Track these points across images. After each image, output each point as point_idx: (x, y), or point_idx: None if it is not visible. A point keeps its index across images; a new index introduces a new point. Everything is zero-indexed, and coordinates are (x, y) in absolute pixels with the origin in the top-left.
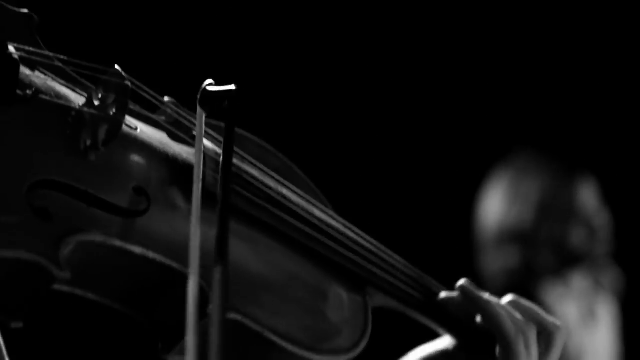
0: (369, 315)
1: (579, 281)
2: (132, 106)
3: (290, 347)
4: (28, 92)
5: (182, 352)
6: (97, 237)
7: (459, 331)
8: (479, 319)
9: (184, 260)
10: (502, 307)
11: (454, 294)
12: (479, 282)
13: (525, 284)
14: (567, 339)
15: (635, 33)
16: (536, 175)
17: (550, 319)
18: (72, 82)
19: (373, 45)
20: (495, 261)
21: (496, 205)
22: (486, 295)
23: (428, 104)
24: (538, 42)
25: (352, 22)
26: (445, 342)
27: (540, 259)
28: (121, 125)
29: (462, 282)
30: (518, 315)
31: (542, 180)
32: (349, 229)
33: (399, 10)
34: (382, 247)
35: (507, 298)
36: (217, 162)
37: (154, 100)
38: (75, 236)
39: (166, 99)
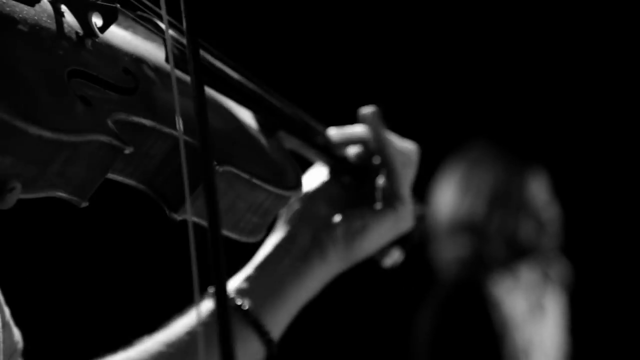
0: (289, 154)
1: (527, 274)
2: None
3: (269, 187)
4: None
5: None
6: (122, 115)
7: (341, 163)
8: (353, 151)
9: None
10: (394, 143)
11: (357, 130)
12: (432, 270)
13: (476, 273)
14: (515, 332)
15: (587, 27)
16: (489, 167)
17: (408, 144)
18: None
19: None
20: (447, 251)
21: (449, 196)
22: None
23: (384, 94)
24: (495, 37)
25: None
26: (321, 171)
27: (490, 250)
28: (117, 10)
29: (369, 110)
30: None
31: (494, 172)
32: (267, 90)
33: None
34: (283, 99)
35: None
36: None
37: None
38: (110, 117)
39: None
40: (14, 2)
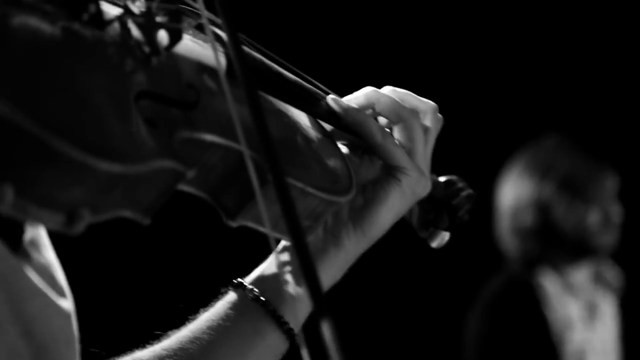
0: (342, 152)
1: (581, 274)
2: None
3: (322, 195)
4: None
5: (245, 217)
6: (185, 133)
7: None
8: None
9: (237, 138)
10: (365, 114)
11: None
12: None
13: (532, 269)
14: (570, 333)
15: None
16: (561, 154)
17: (423, 100)
18: None
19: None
20: (510, 235)
21: (515, 180)
22: (351, 102)
23: (454, 89)
24: (566, 29)
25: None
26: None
27: (556, 231)
28: (181, 31)
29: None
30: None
31: (567, 159)
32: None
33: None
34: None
35: (385, 89)
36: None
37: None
38: (174, 136)
39: None
40: (83, 27)
